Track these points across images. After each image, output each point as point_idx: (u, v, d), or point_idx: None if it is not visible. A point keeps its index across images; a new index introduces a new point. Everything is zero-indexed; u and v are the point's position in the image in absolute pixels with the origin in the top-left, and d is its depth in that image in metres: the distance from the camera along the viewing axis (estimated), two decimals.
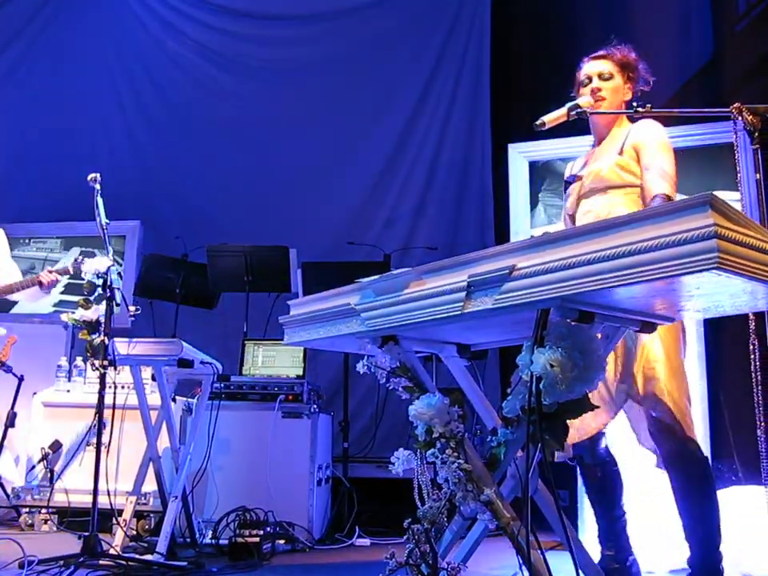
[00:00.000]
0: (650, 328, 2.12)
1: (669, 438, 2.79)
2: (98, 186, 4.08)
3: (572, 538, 2.03)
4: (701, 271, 1.57)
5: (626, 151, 3.01)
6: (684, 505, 2.82)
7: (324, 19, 8.11)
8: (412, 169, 7.76)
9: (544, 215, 5.79)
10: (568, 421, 1.95)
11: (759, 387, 3.33)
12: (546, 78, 6.84)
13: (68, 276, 4.99)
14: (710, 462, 2.84)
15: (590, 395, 1.94)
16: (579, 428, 2.88)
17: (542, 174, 5.79)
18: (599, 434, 3.02)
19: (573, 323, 1.89)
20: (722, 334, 4.23)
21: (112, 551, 3.80)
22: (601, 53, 3.17)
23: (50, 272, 4.98)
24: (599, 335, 2.04)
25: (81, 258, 4.66)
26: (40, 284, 4.96)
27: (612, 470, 3.09)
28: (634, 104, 3.05)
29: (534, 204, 5.75)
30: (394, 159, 7.79)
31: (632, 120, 3.14)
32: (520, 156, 5.78)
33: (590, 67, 3.16)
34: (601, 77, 3.12)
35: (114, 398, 3.90)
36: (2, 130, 7.79)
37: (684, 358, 2.91)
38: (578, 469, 3.20)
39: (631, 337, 2.79)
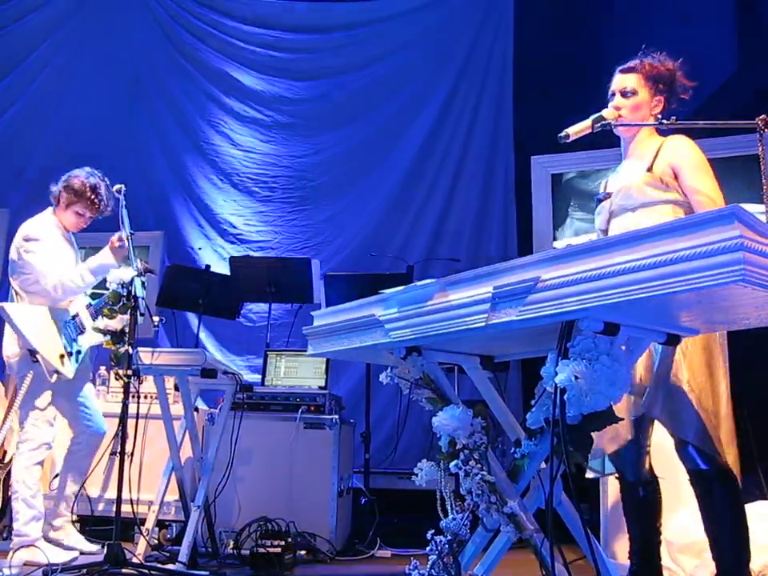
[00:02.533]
0: (675, 340, 2.11)
1: (694, 458, 2.76)
2: (123, 197, 4.11)
3: (596, 551, 2.03)
4: (727, 283, 1.56)
5: (656, 167, 2.95)
6: (711, 522, 2.78)
7: (346, 29, 8.15)
8: (435, 180, 7.77)
9: (570, 230, 5.77)
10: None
11: None
12: (570, 90, 6.84)
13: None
14: (737, 478, 2.80)
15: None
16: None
17: (571, 190, 5.77)
18: (643, 453, 3.00)
19: (598, 335, 1.89)
20: (746, 346, 4.20)
21: (135, 560, 3.82)
22: (629, 65, 3.11)
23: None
24: (624, 347, 2.04)
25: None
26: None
27: (654, 489, 3.04)
28: (659, 116, 3.04)
29: (563, 219, 5.73)
30: (417, 170, 7.80)
31: (660, 132, 3.11)
32: (543, 168, 5.76)
33: (616, 82, 3.12)
34: (623, 94, 3.08)
35: (138, 407, 3.91)
36: (27, 139, 7.86)
37: (723, 371, 2.87)
38: (619, 486, 3.16)
39: (656, 349, 2.77)
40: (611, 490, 3.97)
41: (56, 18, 8.10)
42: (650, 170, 2.96)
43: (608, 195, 3.09)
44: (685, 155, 2.95)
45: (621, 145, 3.21)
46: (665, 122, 2.90)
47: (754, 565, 3.02)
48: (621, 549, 3.71)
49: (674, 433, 2.77)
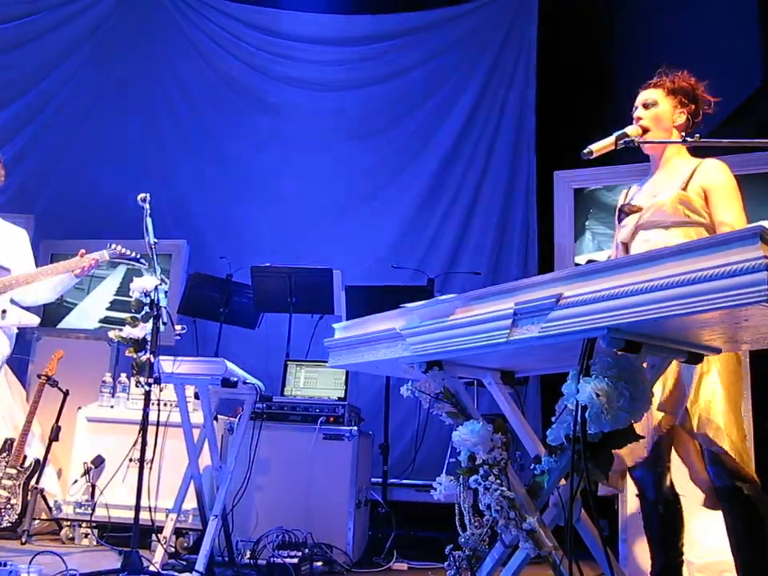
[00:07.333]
0: (696, 359, 2.10)
1: (724, 474, 2.73)
2: (147, 206, 4.13)
3: (616, 570, 2.02)
4: (750, 304, 1.56)
5: (691, 188, 2.96)
6: (738, 543, 2.74)
7: (372, 43, 8.19)
8: (456, 194, 7.78)
9: (591, 243, 5.74)
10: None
11: None
12: (594, 105, 6.84)
13: (103, 262, 4.76)
14: (765, 498, 2.77)
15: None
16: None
17: (589, 202, 5.75)
18: (664, 470, 2.97)
19: (619, 353, 1.88)
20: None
21: (152, 568, 3.83)
22: (652, 81, 3.17)
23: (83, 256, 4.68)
24: (645, 365, 2.03)
25: (115, 246, 4.63)
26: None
27: (675, 507, 3.00)
28: (683, 133, 3.05)
29: (580, 232, 5.70)
30: (439, 183, 7.82)
31: (691, 151, 3.11)
32: (566, 184, 5.74)
33: (639, 96, 3.16)
34: (645, 106, 3.12)
35: (158, 415, 3.93)
36: (52, 148, 7.92)
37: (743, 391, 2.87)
38: (640, 504, 3.13)
39: (688, 370, 2.76)
40: (629, 505, 3.95)
41: (80, 32, 8.14)
42: (684, 189, 2.96)
43: (637, 209, 3.08)
44: (718, 180, 2.97)
45: (650, 159, 3.22)
46: (689, 139, 2.90)
47: None
48: (638, 565, 3.69)
49: (708, 446, 2.75)
